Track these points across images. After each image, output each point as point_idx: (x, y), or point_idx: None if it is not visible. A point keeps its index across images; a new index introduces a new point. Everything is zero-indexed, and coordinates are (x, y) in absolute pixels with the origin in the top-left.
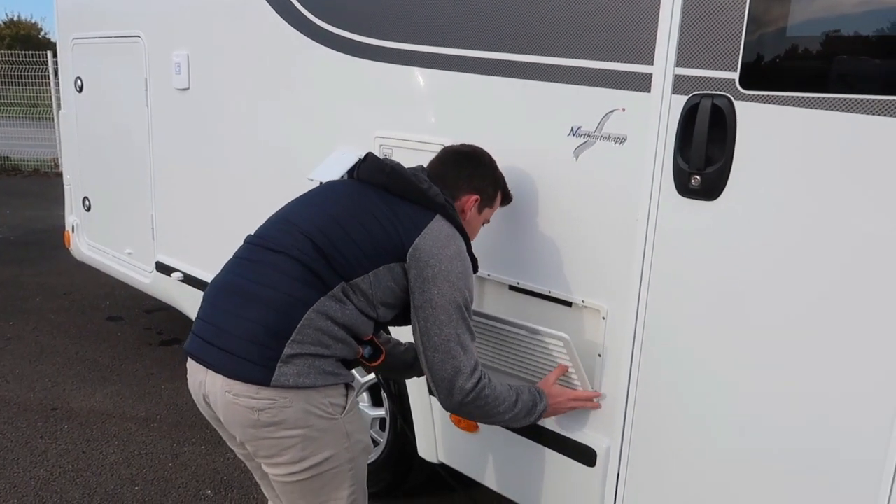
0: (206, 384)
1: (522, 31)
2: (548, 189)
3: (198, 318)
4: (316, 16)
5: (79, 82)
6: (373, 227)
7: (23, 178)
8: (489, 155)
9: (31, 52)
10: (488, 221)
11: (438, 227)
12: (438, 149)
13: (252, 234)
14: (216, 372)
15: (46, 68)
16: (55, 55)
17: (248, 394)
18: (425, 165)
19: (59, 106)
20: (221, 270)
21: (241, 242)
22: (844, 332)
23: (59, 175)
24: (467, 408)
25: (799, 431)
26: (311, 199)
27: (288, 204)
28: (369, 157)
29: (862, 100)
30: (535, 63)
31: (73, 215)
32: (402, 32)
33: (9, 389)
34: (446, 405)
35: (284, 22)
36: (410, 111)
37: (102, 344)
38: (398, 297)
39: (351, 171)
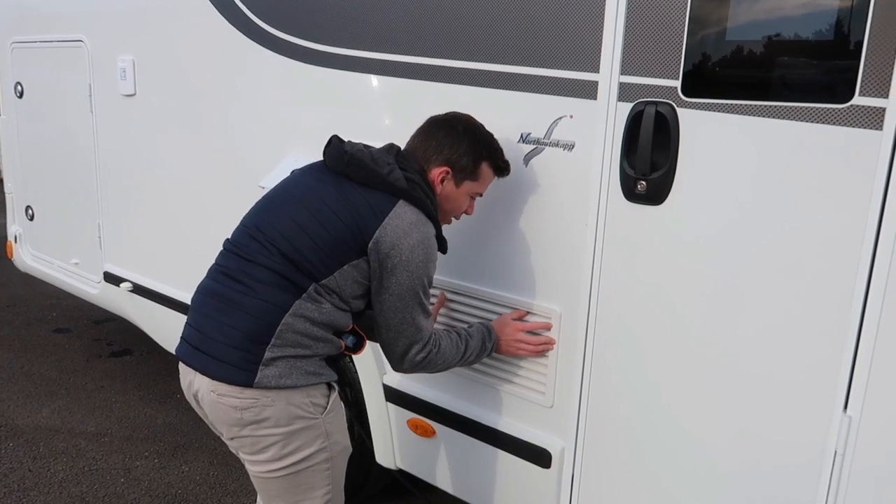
0: (194, 384)
1: (471, 38)
2: (499, 195)
3: (186, 323)
4: (263, 20)
5: (19, 87)
6: (332, 225)
7: None
8: (470, 122)
9: None
10: (480, 195)
11: (401, 215)
12: None
13: (228, 238)
14: (202, 374)
15: None
16: None
17: (232, 394)
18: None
19: None
20: (206, 276)
21: (199, 249)
22: (787, 331)
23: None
24: (415, 371)
25: (745, 430)
26: (276, 199)
27: (257, 203)
28: (333, 142)
29: (797, 108)
30: (485, 70)
31: (15, 224)
32: (351, 38)
33: None
34: (395, 369)
35: (232, 27)
36: (361, 117)
37: (49, 357)
38: (367, 288)
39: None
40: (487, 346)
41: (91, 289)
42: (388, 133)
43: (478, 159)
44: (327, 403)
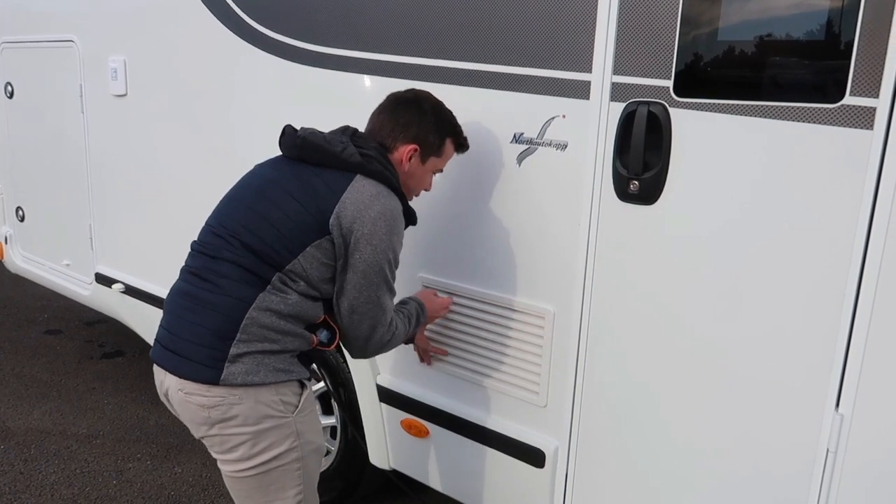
0: (164, 384)
1: (465, 38)
2: (493, 194)
3: (160, 325)
4: (256, 21)
5: (9, 88)
6: (290, 208)
7: None
8: (433, 100)
9: None
10: (440, 171)
11: (360, 188)
12: None
13: (195, 239)
14: (171, 374)
15: None
16: None
17: (199, 392)
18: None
19: None
20: (178, 278)
21: (185, 251)
22: (779, 330)
23: None
24: (375, 354)
25: (738, 428)
26: (236, 194)
27: (220, 201)
28: (286, 131)
29: (788, 107)
30: (478, 70)
31: (5, 226)
32: (344, 39)
33: None
34: (356, 356)
35: (224, 27)
36: (354, 117)
37: (40, 359)
38: (335, 270)
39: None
40: (421, 320)
41: (82, 290)
42: None
43: (443, 136)
44: (298, 402)
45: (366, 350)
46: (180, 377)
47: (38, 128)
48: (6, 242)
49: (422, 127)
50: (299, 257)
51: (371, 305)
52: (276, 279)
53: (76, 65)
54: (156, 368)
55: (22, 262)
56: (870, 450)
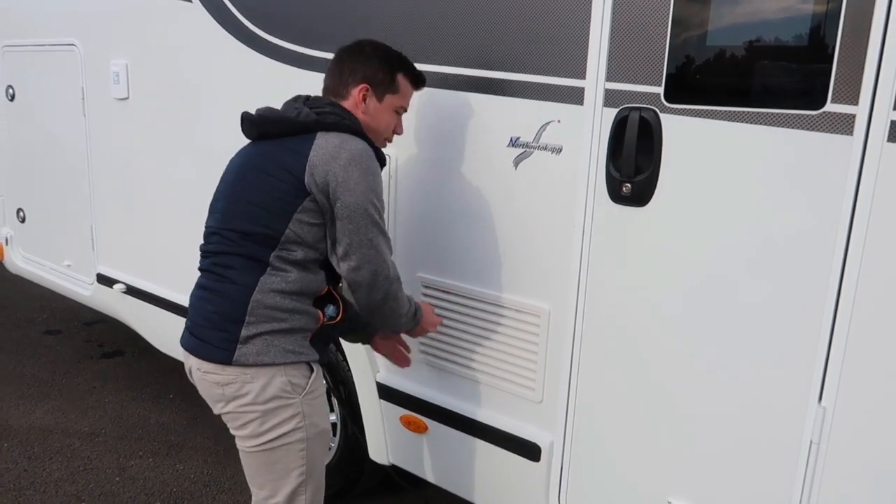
0: (188, 365)
1: (463, 45)
2: (489, 197)
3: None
4: (256, 25)
5: (10, 90)
6: (268, 185)
7: None
8: (376, 42)
9: None
10: (405, 109)
11: (322, 143)
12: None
13: (202, 243)
14: (192, 355)
15: None
16: None
17: (215, 371)
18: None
19: None
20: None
21: (192, 250)
22: (764, 326)
23: None
24: (380, 311)
25: (726, 421)
26: (219, 192)
27: (210, 203)
28: (243, 118)
29: (773, 114)
30: (476, 76)
31: (6, 227)
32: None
33: None
34: (365, 311)
35: (225, 31)
36: None
37: (41, 358)
38: (325, 228)
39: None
40: (418, 316)
41: (84, 290)
42: None
43: (393, 72)
44: (307, 384)
45: (371, 297)
46: (199, 358)
47: (39, 130)
48: (6, 243)
49: (368, 67)
50: (290, 226)
51: (364, 249)
52: (273, 259)
53: (78, 68)
54: (183, 352)
55: (22, 262)
56: (851, 441)
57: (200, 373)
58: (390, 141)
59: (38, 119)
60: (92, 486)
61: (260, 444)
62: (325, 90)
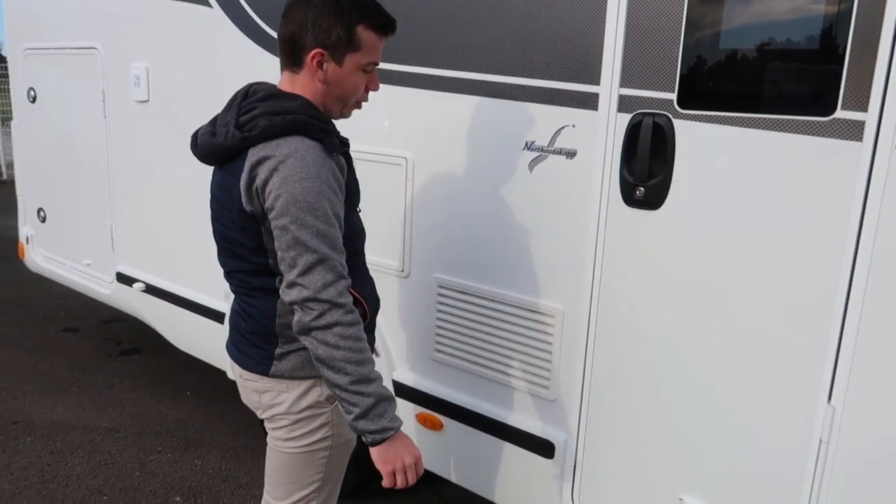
0: (233, 371)
1: (480, 51)
2: (505, 199)
3: None
4: (274, 29)
5: (31, 93)
6: (227, 219)
7: None
8: None
9: None
10: (376, 64)
11: (251, 163)
12: (401, 161)
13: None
14: (235, 363)
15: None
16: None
17: (254, 379)
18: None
19: (4, 113)
20: None
21: (210, 249)
22: (775, 328)
23: (3, 183)
24: (318, 335)
25: (738, 421)
26: (212, 226)
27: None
28: (191, 142)
29: (784, 120)
30: (492, 82)
31: (27, 226)
32: None
33: None
34: (296, 328)
35: (244, 35)
36: (372, 125)
37: (60, 356)
38: None
39: None
40: (389, 411)
41: (103, 289)
42: (396, 140)
43: (350, 27)
44: None
45: (302, 320)
46: (241, 367)
47: (59, 132)
48: (27, 242)
49: (318, 26)
50: (269, 255)
51: (296, 251)
52: (277, 282)
53: (99, 71)
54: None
55: (42, 261)
56: (859, 440)
57: (242, 379)
58: (365, 100)
59: (59, 121)
60: (113, 480)
61: (287, 449)
62: (280, 64)
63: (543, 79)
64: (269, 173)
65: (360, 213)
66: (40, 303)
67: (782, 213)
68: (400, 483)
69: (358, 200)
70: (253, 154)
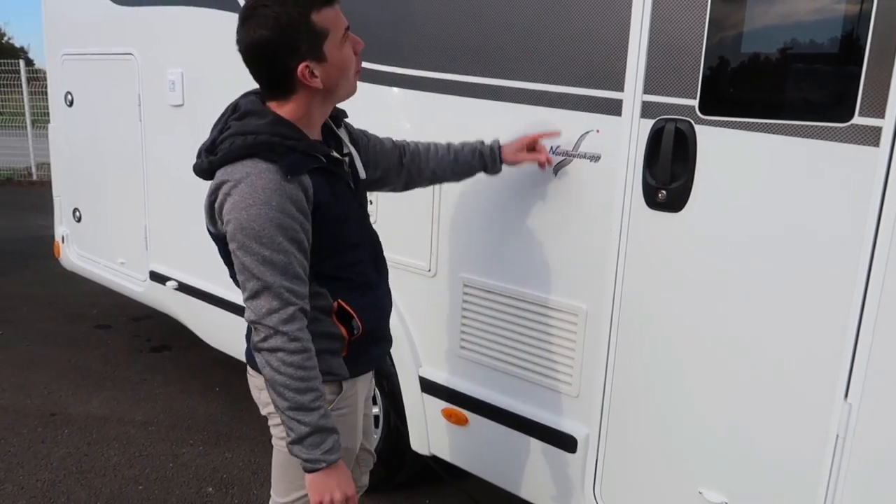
0: None
1: (507, 59)
2: (531, 202)
3: None
4: None
5: (69, 97)
6: (212, 236)
7: None
8: (265, 7)
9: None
10: (348, 28)
11: (213, 188)
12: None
13: None
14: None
15: (18, 77)
16: (28, 63)
17: (254, 374)
18: None
19: (34, 116)
20: None
21: None
22: (793, 327)
23: (33, 184)
24: (264, 355)
25: (757, 416)
26: None
27: None
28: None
29: (803, 126)
30: (520, 88)
31: (62, 226)
32: (393, 57)
33: (6, 397)
34: (251, 345)
35: None
36: (400, 128)
37: (93, 351)
38: None
39: None
40: (326, 439)
41: (136, 287)
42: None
43: (307, 24)
44: (333, 400)
45: (254, 335)
46: (246, 361)
47: (95, 134)
48: (63, 241)
49: (285, 48)
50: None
51: (244, 276)
52: None
53: (135, 76)
54: None
55: (77, 259)
56: (874, 436)
57: (248, 375)
58: (358, 68)
59: (95, 124)
60: (148, 470)
61: (282, 446)
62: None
63: (569, 85)
64: (224, 197)
65: (374, 223)
66: (72, 300)
67: (801, 217)
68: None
69: (351, 214)
70: (217, 176)
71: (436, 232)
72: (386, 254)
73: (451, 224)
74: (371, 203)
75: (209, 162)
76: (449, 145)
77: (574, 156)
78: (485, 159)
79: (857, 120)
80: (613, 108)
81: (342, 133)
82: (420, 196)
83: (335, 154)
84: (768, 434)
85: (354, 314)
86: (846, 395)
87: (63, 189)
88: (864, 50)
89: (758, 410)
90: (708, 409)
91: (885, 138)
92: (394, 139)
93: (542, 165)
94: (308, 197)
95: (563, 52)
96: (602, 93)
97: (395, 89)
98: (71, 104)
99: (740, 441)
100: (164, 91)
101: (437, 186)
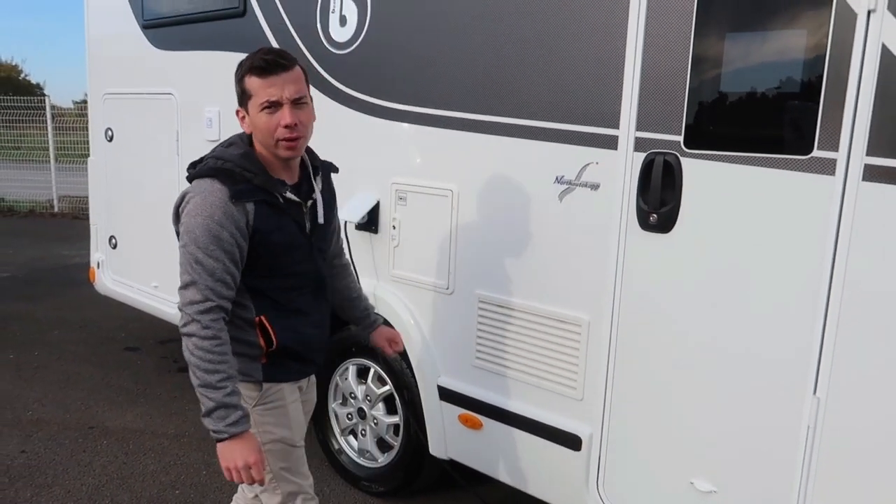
0: None
1: (516, 100)
2: (539, 225)
3: None
4: (338, 80)
5: (109, 132)
6: None
7: (19, 218)
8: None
9: (24, 98)
10: (269, 103)
11: (180, 195)
12: (447, 193)
13: None
14: None
15: (38, 113)
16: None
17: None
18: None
19: (57, 150)
20: None
21: None
22: (768, 334)
23: (54, 216)
24: (184, 339)
25: (739, 413)
26: None
27: None
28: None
29: (771, 158)
30: (529, 126)
31: (98, 252)
32: (417, 97)
33: (47, 412)
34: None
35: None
36: (423, 162)
37: (124, 371)
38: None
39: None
40: (222, 417)
41: (169, 308)
42: (443, 174)
43: (241, 81)
44: (257, 396)
45: (181, 300)
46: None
47: (134, 167)
48: (98, 267)
49: (237, 92)
50: None
51: (182, 269)
52: None
53: (174, 114)
54: None
55: (111, 284)
56: (840, 426)
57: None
58: (289, 137)
59: (134, 158)
60: (183, 477)
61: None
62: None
63: (571, 123)
64: (185, 204)
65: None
66: (102, 324)
67: (772, 233)
68: (236, 479)
69: (296, 246)
70: (188, 186)
71: (453, 254)
72: (408, 274)
73: (467, 246)
74: (394, 228)
75: (189, 174)
76: (360, 290)
77: (576, 184)
78: (363, 321)
79: (816, 153)
80: (610, 143)
81: (317, 183)
82: (439, 221)
83: (290, 195)
84: (749, 427)
85: (272, 331)
86: (815, 391)
87: (100, 218)
88: (820, 94)
89: (740, 406)
90: (696, 406)
91: (840, 168)
92: (343, 247)
93: (386, 353)
94: (248, 221)
95: (567, 95)
96: (601, 130)
97: (409, 125)
98: (111, 139)
99: (725, 434)
100: (201, 127)
101: (454, 211)
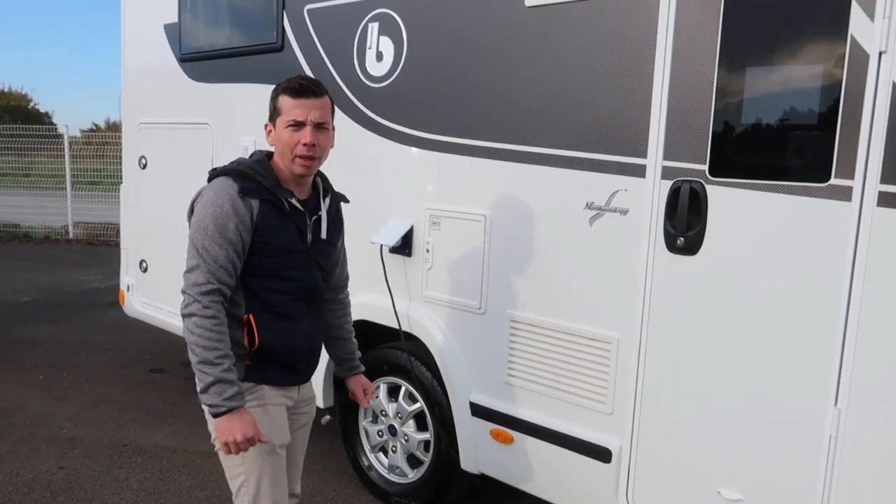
0: None
1: (550, 130)
2: (570, 249)
3: None
4: (374, 112)
5: (143, 160)
6: None
7: (34, 244)
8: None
9: (37, 126)
10: (295, 122)
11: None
12: (481, 218)
13: None
14: None
15: (53, 141)
16: (50, 125)
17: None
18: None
19: (73, 178)
20: None
21: None
22: (792, 349)
23: (69, 242)
24: (185, 320)
25: (764, 422)
26: None
27: None
28: None
29: (791, 185)
30: (560, 155)
31: (128, 276)
32: (450, 128)
33: (79, 430)
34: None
35: (341, 113)
36: (457, 189)
37: (151, 392)
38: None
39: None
40: (220, 392)
41: None
42: (479, 199)
43: (275, 98)
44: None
45: (184, 283)
46: None
47: (167, 194)
48: (128, 290)
49: (270, 108)
50: None
51: (189, 254)
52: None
53: (209, 143)
54: None
55: (141, 307)
56: (859, 435)
57: None
58: (306, 155)
59: (167, 185)
60: (219, 492)
61: (218, 448)
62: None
63: (601, 153)
64: (198, 199)
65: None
66: (126, 347)
67: (793, 256)
68: (234, 452)
69: (294, 252)
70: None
71: (486, 275)
72: (441, 295)
73: (499, 269)
74: (428, 251)
75: (209, 174)
76: (352, 334)
77: (606, 210)
78: (346, 363)
79: (833, 181)
80: (638, 171)
81: (325, 202)
82: (473, 244)
83: (295, 203)
84: (774, 438)
85: (256, 331)
86: (836, 403)
87: (131, 242)
88: (836, 126)
89: (764, 418)
90: (722, 418)
91: (856, 194)
92: (347, 282)
93: (360, 403)
94: (253, 217)
95: (598, 126)
96: (630, 159)
97: (443, 154)
98: (144, 167)
99: (751, 444)
100: (236, 155)
101: (487, 236)
